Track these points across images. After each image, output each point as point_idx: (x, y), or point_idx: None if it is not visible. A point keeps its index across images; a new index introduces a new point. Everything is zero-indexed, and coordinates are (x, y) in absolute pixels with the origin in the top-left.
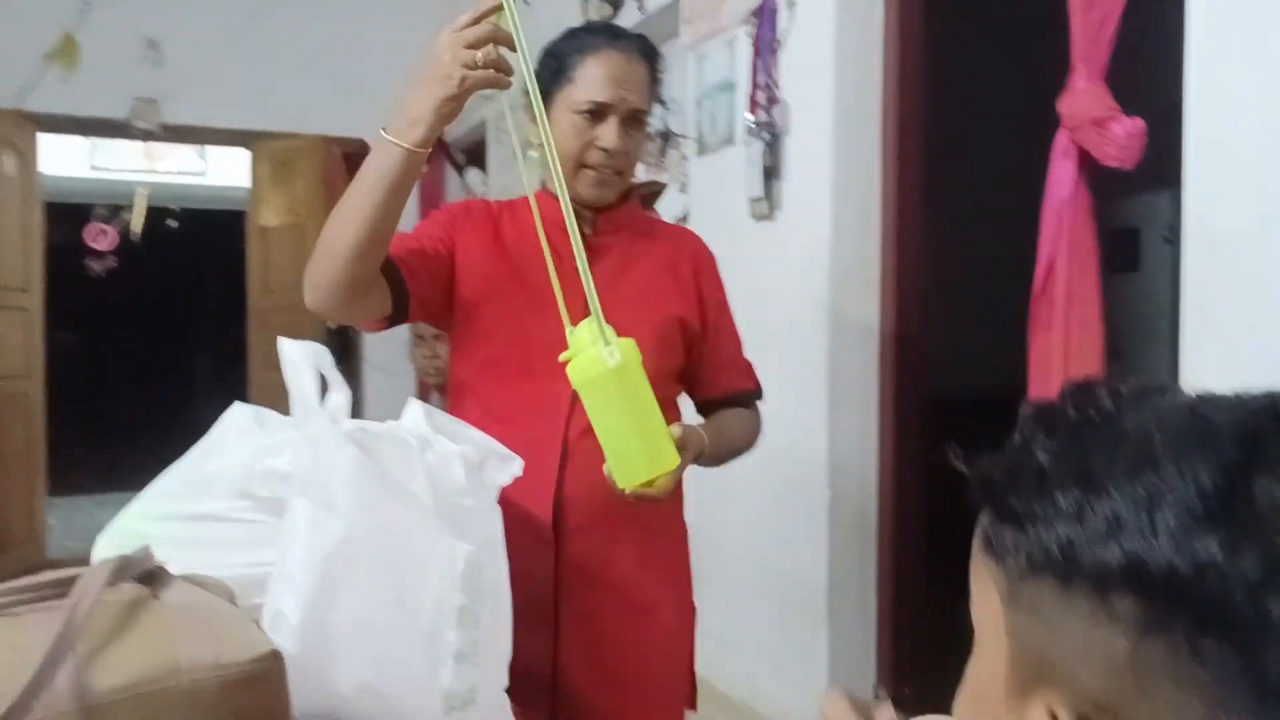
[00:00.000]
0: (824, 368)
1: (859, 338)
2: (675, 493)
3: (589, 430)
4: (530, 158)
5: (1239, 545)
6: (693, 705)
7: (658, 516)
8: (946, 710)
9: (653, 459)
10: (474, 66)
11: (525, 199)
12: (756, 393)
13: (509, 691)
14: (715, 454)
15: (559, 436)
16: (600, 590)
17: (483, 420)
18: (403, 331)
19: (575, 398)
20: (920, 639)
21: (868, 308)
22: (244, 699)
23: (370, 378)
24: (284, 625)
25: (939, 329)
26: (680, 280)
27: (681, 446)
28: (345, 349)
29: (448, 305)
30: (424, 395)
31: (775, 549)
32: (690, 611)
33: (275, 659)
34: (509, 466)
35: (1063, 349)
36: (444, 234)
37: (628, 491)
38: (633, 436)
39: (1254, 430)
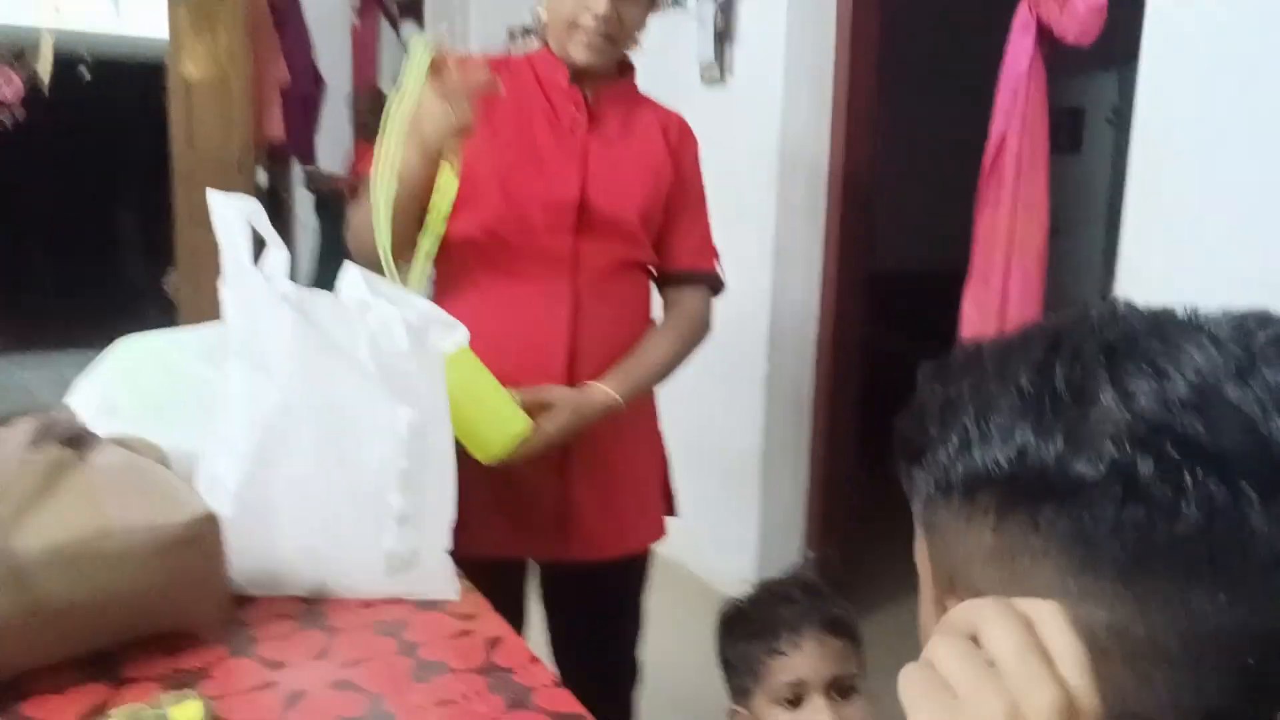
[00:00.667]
0: (770, 239)
1: (806, 209)
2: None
3: (598, 278)
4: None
5: (1047, 426)
6: (672, 511)
7: None
8: (870, 568)
9: (500, 430)
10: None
11: (521, 58)
12: (714, 277)
13: (519, 527)
14: (635, 390)
15: (569, 289)
16: (604, 429)
17: (488, 283)
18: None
19: (579, 249)
20: (847, 506)
21: (816, 179)
22: (178, 560)
23: (304, 240)
24: (221, 489)
25: (886, 203)
26: (669, 150)
27: (543, 406)
28: (276, 209)
29: None
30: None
31: (713, 418)
32: (660, 435)
33: (210, 522)
34: (452, 333)
35: (1008, 227)
36: None
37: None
38: (472, 412)
39: (1057, 330)
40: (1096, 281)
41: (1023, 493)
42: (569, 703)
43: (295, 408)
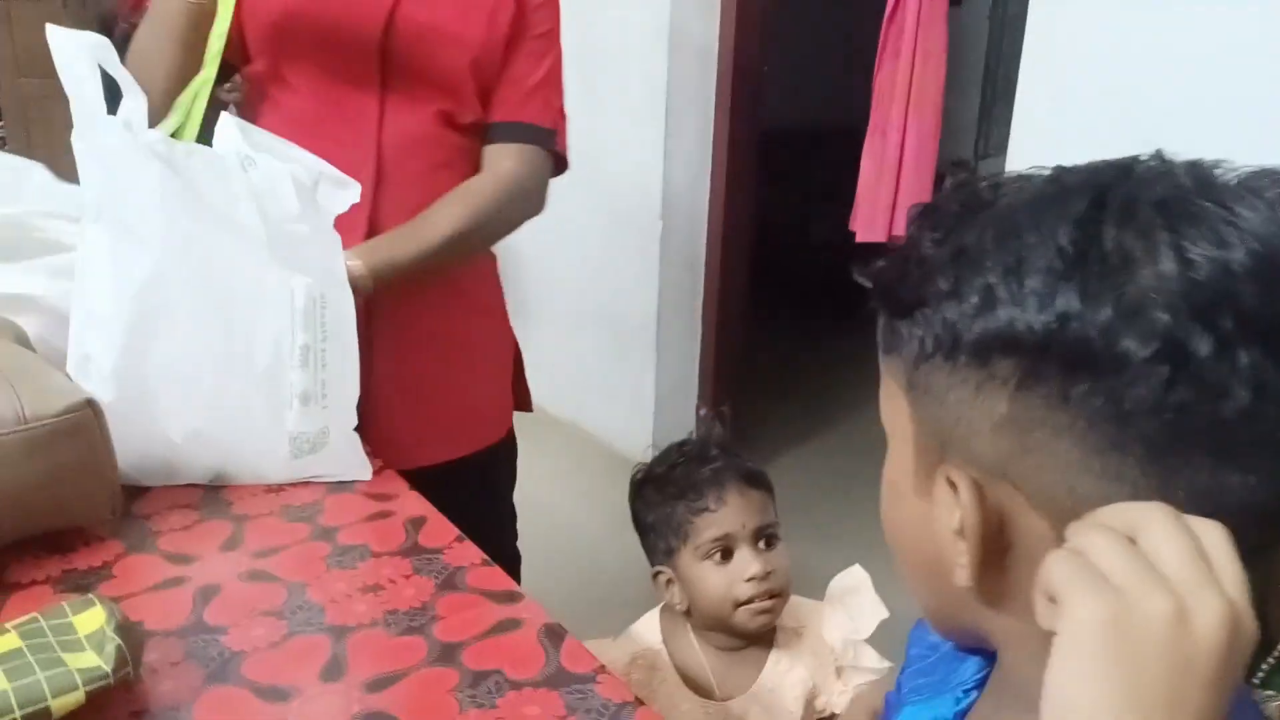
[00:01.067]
0: (661, 93)
1: (698, 62)
2: None
3: (405, 147)
4: None
5: (1094, 293)
6: (526, 407)
7: None
8: (761, 422)
9: None
10: None
11: None
12: (545, 134)
13: None
14: (394, 267)
15: (371, 153)
16: (411, 326)
17: (287, 122)
18: None
19: (385, 105)
20: (739, 364)
21: (708, 29)
22: (57, 454)
23: None
24: (95, 370)
25: (780, 55)
26: None
27: None
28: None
29: None
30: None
31: (606, 279)
32: (506, 337)
33: (90, 408)
34: (344, 191)
35: (907, 78)
36: None
37: None
38: None
39: (1101, 184)
40: (970, 140)
41: (1055, 363)
42: (502, 580)
43: (170, 277)
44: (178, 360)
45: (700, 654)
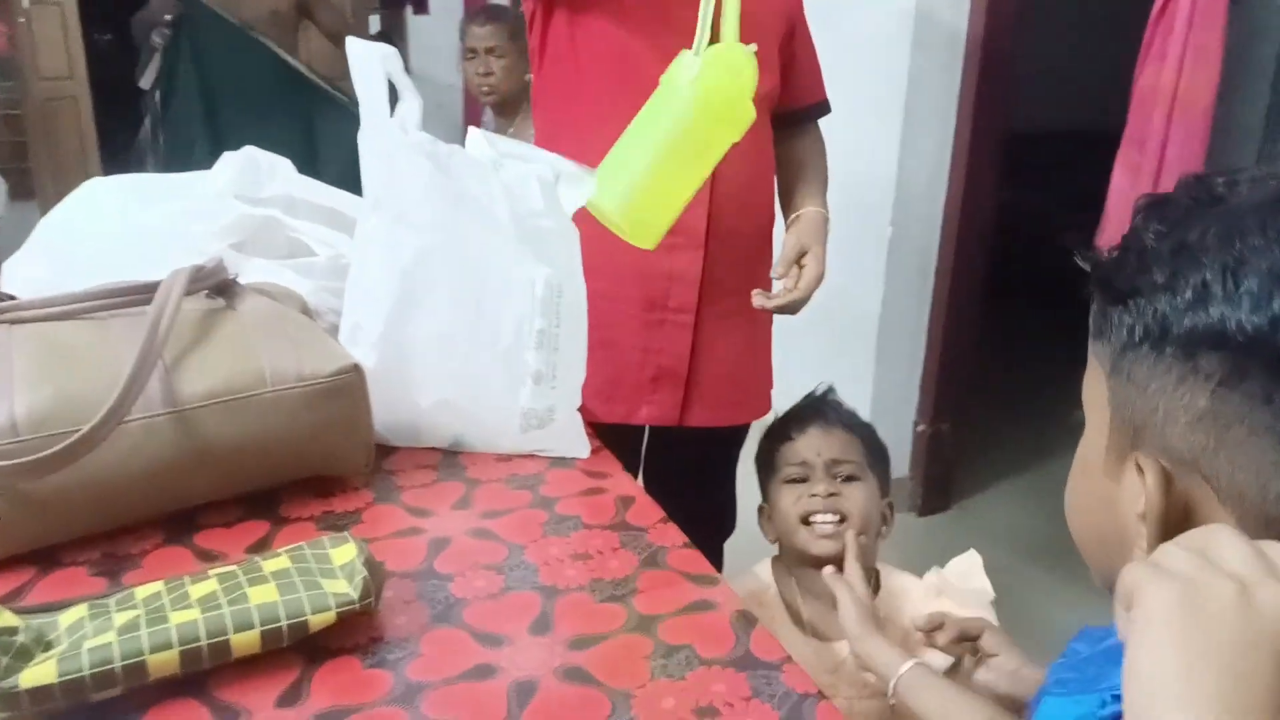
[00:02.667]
0: (902, 88)
1: (944, 57)
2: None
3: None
4: None
5: None
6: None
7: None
8: (982, 444)
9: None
10: None
11: None
12: (828, 104)
13: (650, 382)
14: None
15: None
16: (734, 294)
17: (608, 113)
18: (451, 42)
19: None
20: (966, 380)
21: (958, 18)
22: (326, 409)
23: (420, 89)
24: (362, 338)
25: (1034, 51)
26: None
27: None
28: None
29: None
30: (474, 112)
31: (830, 279)
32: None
33: (356, 372)
34: (583, 185)
35: (1174, 83)
36: None
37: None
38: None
39: None
40: (1254, 149)
41: (1262, 364)
42: (700, 564)
43: (433, 258)
44: (433, 334)
45: (799, 596)
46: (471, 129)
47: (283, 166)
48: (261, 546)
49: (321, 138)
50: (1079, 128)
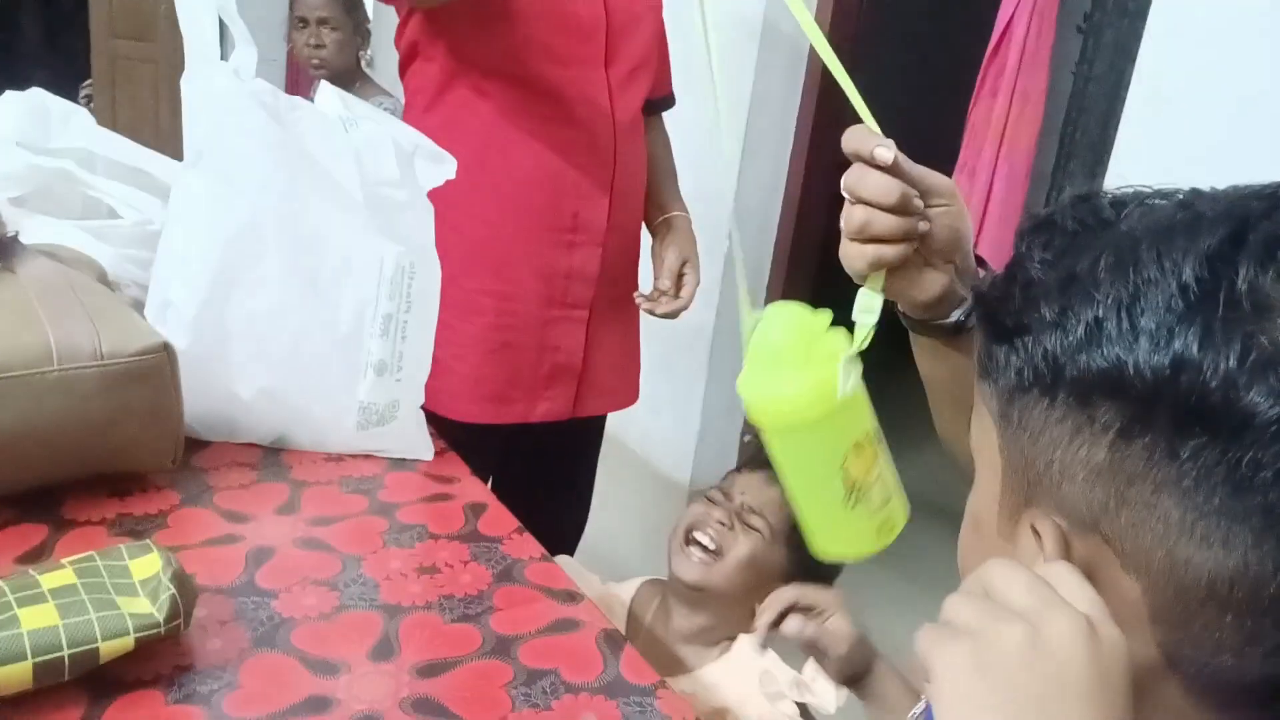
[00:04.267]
0: (744, 109)
1: (782, 86)
2: None
3: (634, 119)
4: None
5: (1217, 339)
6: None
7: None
8: None
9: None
10: None
11: None
12: (674, 98)
13: (545, 379)
14: None
15: (609, 127)
16: (618, 284)
17: (512, 112)
18: (275, 12)
19: (612, 79)
20: None
21: (796, 55)
22: (127, 394)
23: None
24: (174, 316)
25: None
26: None
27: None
28: None
29: None
30: (301, 84)
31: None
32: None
33: (165, 352)
34: (442, 166)
35: (1003, 118)
36: None
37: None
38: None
39: (1241, 215)
40: (1043, 190)
41: (1165, 412)
42: (561, 579)
43: (263, 226)
44: (259, 315)
45: (654, 616)
46: (324, 84)
47: (79, 116)
48: (37, 556)
49: None
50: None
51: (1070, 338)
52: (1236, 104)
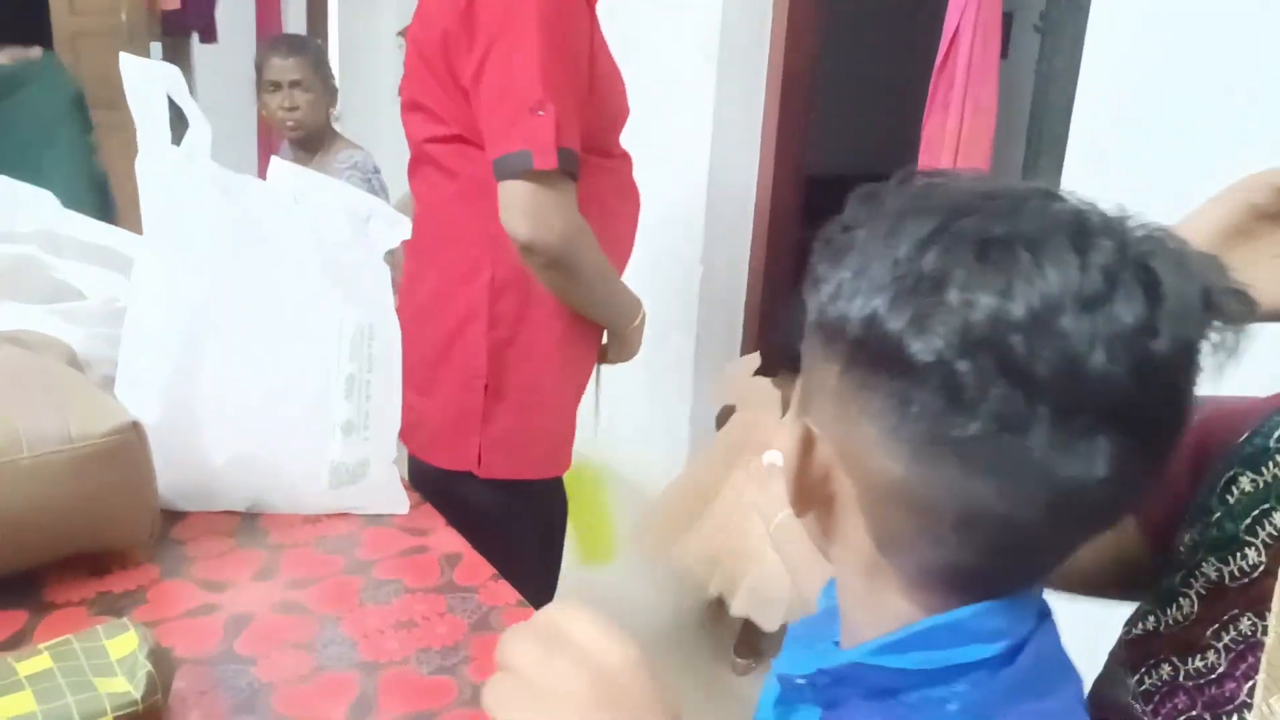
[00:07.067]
0: (708, 131)
1: (744, 103)
2: None
3: None
4: None
5: (900, 304)
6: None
7: None
8: None
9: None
10: None
11: None
12: (519, 158)
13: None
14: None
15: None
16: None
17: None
18: (243, 69)
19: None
20: None
21: (756, 72)
22: (100, 475)
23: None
24: (143, 391)
25: (826, 103)
26: None
27: None
28: None
29: None
30: (269, 147)
31: (649, 323)
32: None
33: (134, 430)
34: (397, 228)
35: (956, 130)
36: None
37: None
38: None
39: (953, 209)
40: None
41: (867, 356)
42: None
43: (225, 299)
44: (226, 385)
45: None
46: (274, 159)
47: (42, 199)
48: (17, 642)
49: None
50: (870, 172)
51: (827, 290)
52: (1178, 92)
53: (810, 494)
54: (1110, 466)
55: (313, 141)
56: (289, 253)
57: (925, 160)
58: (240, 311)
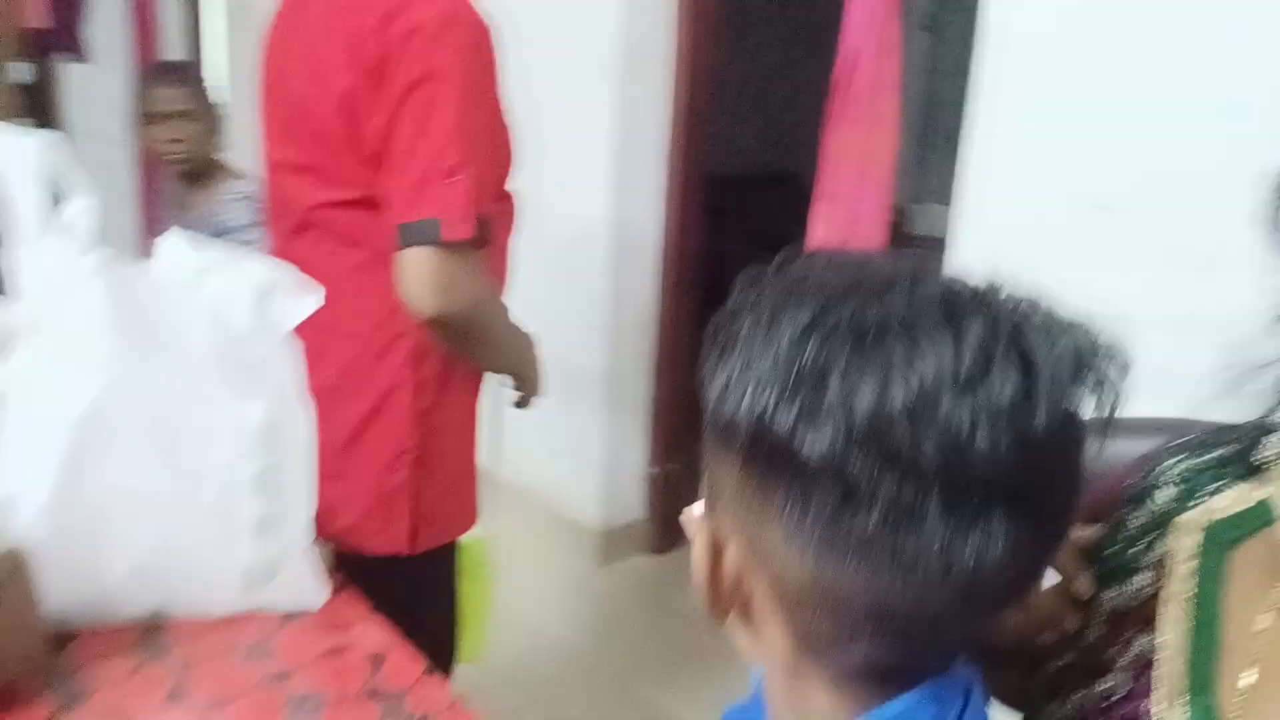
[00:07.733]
0: (609, 143)
1: (648, 111)
2: None
3: None
4: None
5: (786, 399)
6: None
7: None
8: None
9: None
10: None
11: None
12: (427, 226)
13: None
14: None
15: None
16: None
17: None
18: (117, 92)
19: None
20: (692, 422)
21: (658, 80)
22: None
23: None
24: (23, 510)
25: (726, 104)
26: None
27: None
28: (42, 108)
29: None
30: (153, 176)
31: (558, 338)
32: None
33: (13, 561)
34: (306, 299)
35: (861, 145)
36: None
37: None
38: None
39: (829, 294)
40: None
41: (761, 455)
42: None
43: (115, 401)
44: (121, 492)
45: None
46: (164, 238)
47: None
48: None
49: None
50: (764, 171)
51: (714, 388)
52: (1071, 93)
53: (726, 599)
54: (1008, 545)
55: (201, 175)
56: (186, 349)
57: (827, 174)
58: (134, 413)
